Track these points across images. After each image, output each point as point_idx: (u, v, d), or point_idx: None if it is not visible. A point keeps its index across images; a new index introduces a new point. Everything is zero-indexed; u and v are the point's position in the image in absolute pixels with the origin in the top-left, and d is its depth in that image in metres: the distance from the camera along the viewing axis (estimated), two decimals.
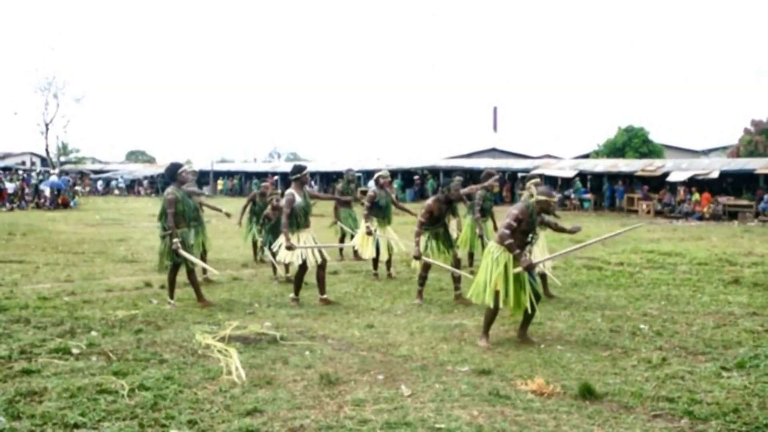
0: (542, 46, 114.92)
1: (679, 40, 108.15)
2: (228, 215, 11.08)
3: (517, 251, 6.08)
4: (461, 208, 10.79)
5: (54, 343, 6.01)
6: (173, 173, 7.89)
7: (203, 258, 9.28)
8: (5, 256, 12.34)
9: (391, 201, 10.36)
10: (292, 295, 8.20)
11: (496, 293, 6.13)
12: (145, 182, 48.23)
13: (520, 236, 6.20)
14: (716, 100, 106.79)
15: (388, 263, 10.47)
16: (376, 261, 10.31)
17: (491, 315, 6.30)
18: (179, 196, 7.75)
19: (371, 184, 10.51)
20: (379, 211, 10.11)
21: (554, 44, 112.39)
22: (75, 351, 5.79)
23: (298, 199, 7.79)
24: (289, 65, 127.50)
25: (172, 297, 8.02)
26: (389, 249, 10.23)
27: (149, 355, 5.73)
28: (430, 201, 8.25)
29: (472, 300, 6.59)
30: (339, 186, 12.88)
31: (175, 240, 7.67)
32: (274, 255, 8.95)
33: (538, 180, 8.05)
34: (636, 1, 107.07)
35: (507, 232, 6.10)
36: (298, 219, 7.86)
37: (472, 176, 27.10)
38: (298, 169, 7.95)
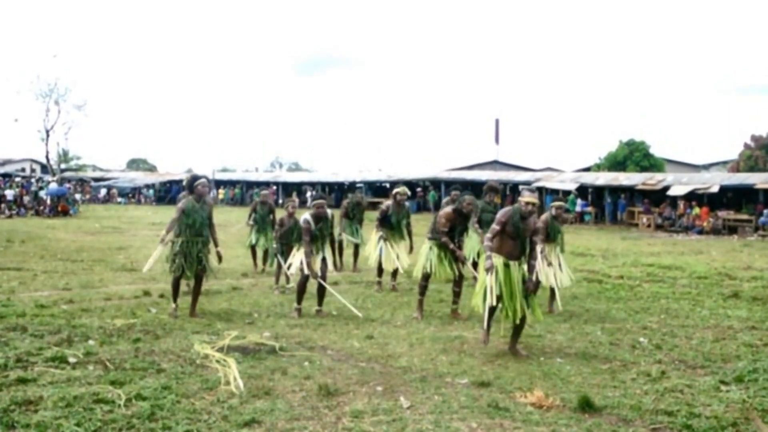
0: (545, 58, 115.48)
1: (680, 55, 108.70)
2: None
3: (487, 253, 6.17)
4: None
5: (51, 351, 5.98)
6: (191, 184, 8.12)
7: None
8: (3, 263, 12.32)
9: (405, 219, 10.33)
10: (295, 305, 8.19)
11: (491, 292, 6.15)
12: (145, 190, 48.23)
13: (508, 242, 6.22)
14: (717, 115, 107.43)
15: (394, 274, 10.46)
16: (380, 269, 10.34)
17: (489, 312, 6.26)
18: (189, 208, 7.87)
19: (388, 201, 10.62)
20: (391, 225, 10.23)
21: (557, 57, 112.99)
22: (72, 360, 5.76)
23: (313, 226, 8.09)
24: (290, 71, 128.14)
25: (175, 301, 8.05)
26: (393, 260, 10.18)
27: (147, 364, 5.70)
28: (449, 209, 8.17)
29: (475, 308, 6.58)
30: (345, 202, 12.91)
31: (165, 239, 7.89)
32: (280, 263, 9.72)
33: (560, 204, 8.26)
34: (638, 15, 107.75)
35: (489, 235, 6.24)
36: (316, 243, 8.21)
37: (474, 188, 27.11)
38: (319, 202, 8.21)
